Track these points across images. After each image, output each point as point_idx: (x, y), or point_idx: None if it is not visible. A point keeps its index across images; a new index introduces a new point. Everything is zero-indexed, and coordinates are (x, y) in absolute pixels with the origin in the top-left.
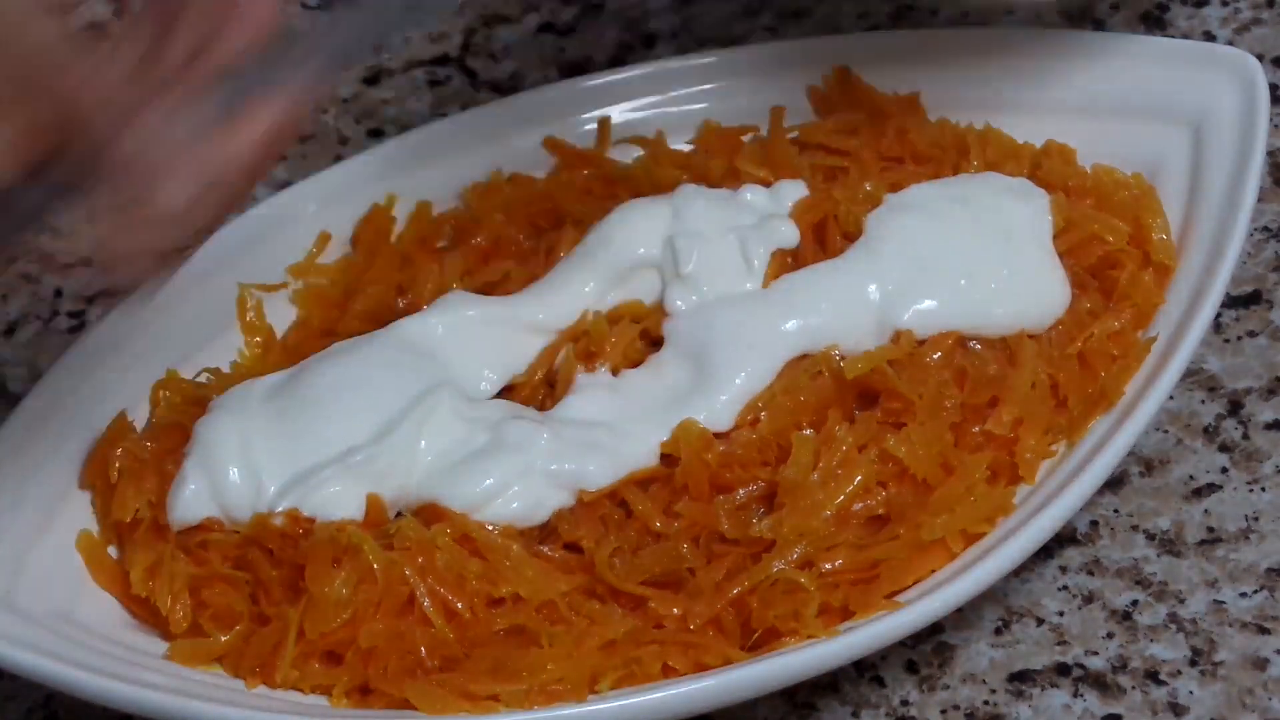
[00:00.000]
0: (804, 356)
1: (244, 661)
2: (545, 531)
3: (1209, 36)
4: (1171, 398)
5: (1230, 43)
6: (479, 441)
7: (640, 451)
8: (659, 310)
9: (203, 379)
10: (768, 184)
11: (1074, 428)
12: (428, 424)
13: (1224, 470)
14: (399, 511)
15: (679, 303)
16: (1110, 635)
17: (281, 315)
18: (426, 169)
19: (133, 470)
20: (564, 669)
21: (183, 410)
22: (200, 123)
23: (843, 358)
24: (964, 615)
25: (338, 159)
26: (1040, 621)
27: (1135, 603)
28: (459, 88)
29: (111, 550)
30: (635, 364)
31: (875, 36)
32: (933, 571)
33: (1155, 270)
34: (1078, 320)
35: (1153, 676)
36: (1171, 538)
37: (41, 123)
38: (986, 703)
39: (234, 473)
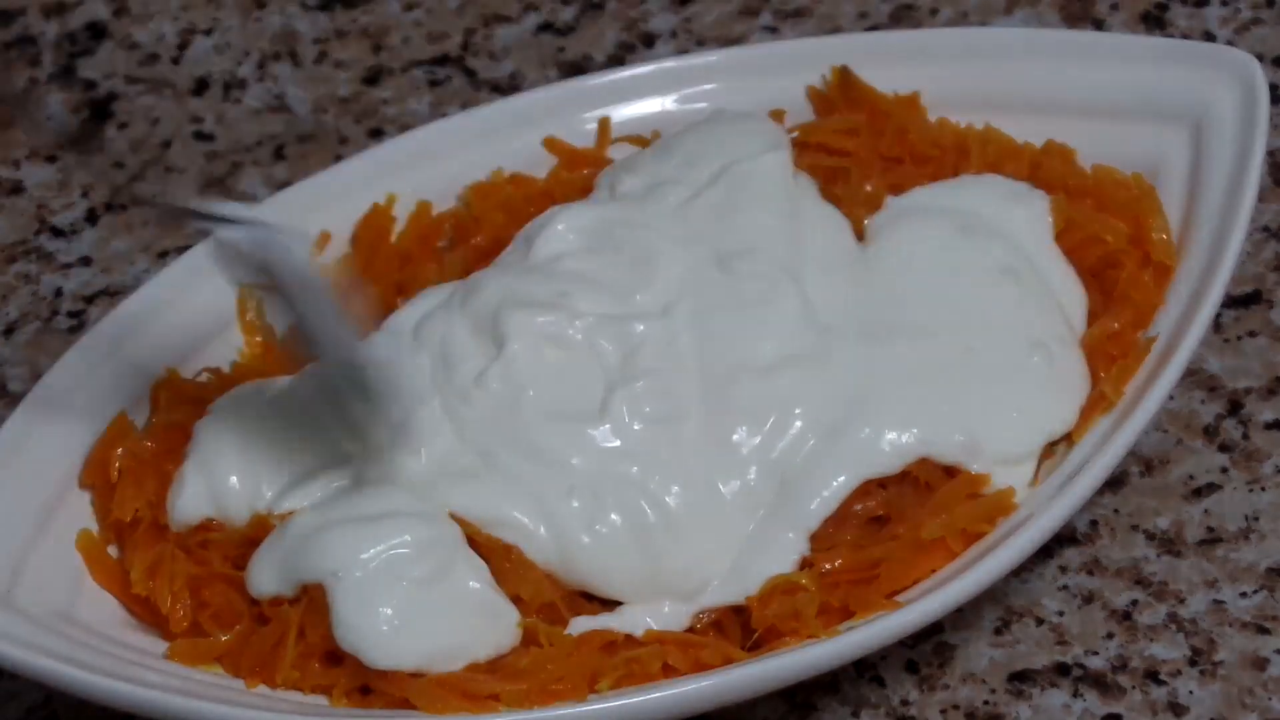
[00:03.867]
0: None
1: (244, 661)
2: None
3: (1209, 36)
4: (1171, 398)
5: (1230, 43)
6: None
7: None
8: None
9: (203, 379)
10: None
11: (1074, 428)
12: (428, 424)
13: (1224, 470)
14: None
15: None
16: (1110, 635)
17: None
18: (426, 169)
19: (133, 470)
20: (564, 669)
21: (183, 410)
22: None
23: None
24: (964, 615)
25: (338, 159)
26: (1040, 621)
27: (1135, 603)
28: (459, 88)
29: (111, 550)
30: None
31: (875, 36)
32: (933, 571)
33: (1155, 270)
34: None
35: (1153, 676)
36: (1171, 537)
37: None
38: (986, 703)
39: (233, 475)
